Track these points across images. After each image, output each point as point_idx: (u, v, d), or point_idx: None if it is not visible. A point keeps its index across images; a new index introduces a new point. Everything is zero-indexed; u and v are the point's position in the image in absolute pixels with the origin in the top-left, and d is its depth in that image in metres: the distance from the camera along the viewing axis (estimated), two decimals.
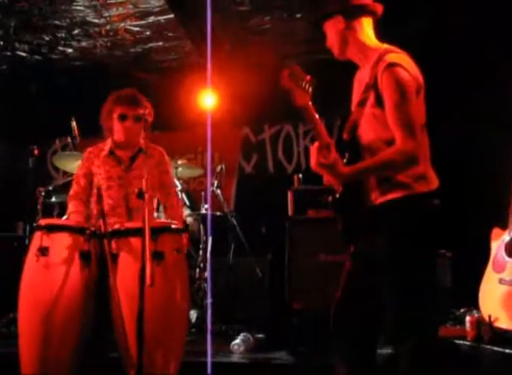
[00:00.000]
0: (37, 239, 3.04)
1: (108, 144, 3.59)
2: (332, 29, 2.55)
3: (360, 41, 2.52)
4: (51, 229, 3.06)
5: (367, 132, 2.46)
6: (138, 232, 2.86)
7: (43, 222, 3.14)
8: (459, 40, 5.50)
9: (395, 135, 2.35)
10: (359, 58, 2.54)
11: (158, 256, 2.98)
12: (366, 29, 2.53)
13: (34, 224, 3.24)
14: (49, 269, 2.99)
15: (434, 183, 2.45)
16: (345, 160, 2.45)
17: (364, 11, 2.52)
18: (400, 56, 2.43)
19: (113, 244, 3.07)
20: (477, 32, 5.32)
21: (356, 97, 2.55)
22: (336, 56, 2.60)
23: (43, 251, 2.99)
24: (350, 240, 2.56)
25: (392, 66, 2.35)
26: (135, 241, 3.02)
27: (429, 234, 2.41)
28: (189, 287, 3.34)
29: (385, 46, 2.50)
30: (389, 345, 2.93)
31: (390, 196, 2.40)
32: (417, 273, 2.37)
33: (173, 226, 3.31)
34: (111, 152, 3.57)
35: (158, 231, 3.07)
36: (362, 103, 2.45)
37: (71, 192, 3.63)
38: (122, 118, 3.46)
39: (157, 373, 2.97)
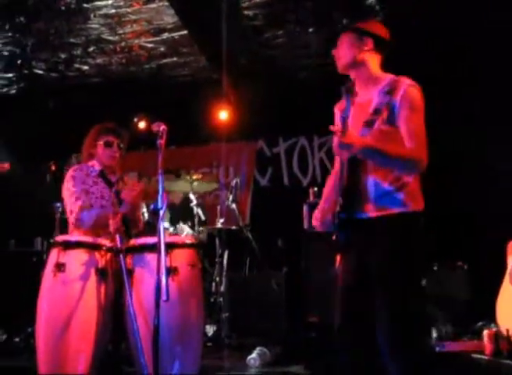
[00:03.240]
0: (54, 255, 3.07)
1: (96, 166, 3.71)
2: (349, 42, 2.63)
3: (372, 65, 2.63)
4: (67, 245, 3.08)
5: None
6: (153, 248, 2.89)
7: (59, 238, 3.17)
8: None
9: (409, 144, 2.44)
10: (364, 79, 2.63)
11: (172, 271, 3.01)
12: (377, 58, 2.66)
13: (51, 240, 3.26)
14: (66, 285, 3.01)
15: (422, 203, 2.54)
16: (345, 174, 2.51)
17: (383, 44, 2.66)
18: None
19: (128, 260, 3.10)
20: None
21: (358, 118, 2.57)
22: (339, 68, 2.68)
23: (60, 267, 3.02)
24: (341, 249, 2.58)
25: (414, 86, 2.51)
26: (150, 257, 3.05)
27: (420, 251, 2.50)
28: (204, 301, 3.36)
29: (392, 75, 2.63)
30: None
31: (388, 211, 2.47)
32: (408, 287, 2.44)
33: (187, 241, 3.34)
34: (101, 173, 3.68)
35: (172, 247, 3.11)
36: (370, 124, 2.51)
37: (80, 203, 3.52)
38: (108, 145, 3.68)
39: None
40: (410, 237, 2.47)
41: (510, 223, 4.07)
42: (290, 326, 5.02)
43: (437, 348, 3.84)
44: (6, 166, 4.49)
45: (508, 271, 3.81)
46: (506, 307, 3.73)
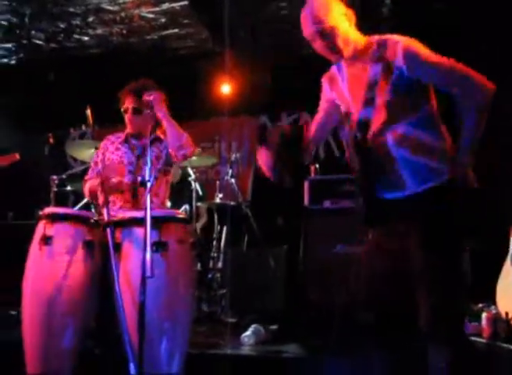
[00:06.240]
0: (41, 228, 3.00)
1: (124, 133, 3.71)
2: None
3: (355, 34, 2.44)
4: (54, 218, 3.00)
5: (390, 126, 2.31)
6: (142, 222, 2.79)
7: (46, 211, 3.09)
8: None
9: (459, 88, 2.24)
10: (354, 51, 2.42)
11: (161, 246, 2.92)
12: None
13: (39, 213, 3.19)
14: (52, 258, 2.94)
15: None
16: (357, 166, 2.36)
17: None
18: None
19: (117, 234, 3.01)
20: None
21: (357, 95, 2.41)
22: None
23: (46, 240, 2.94)
24: (372, 225, 2.44)
25: (407, 41, 2.30)
26: (138, 231, 2.94)
27: (466, 224, 2.35)
28: (195, 278, 3.29)
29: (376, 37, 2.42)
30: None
31: (431, 183, 2.28)
32: (458, 267, 2.30)
33: (179, 215, 3.24)
34: (126, 140, 3.65)
35: (162, 221, 3.00)
36: (370, 102, 2.34)
37: (86, 177, 3.68)
38: (124, 111, 3.59)
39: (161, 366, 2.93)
40: (458, 209, 2.29)
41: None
42: (288, 304, 4.95)
43: None
44: (16, 156, 4.46)
45: (510, 253, 3.70)
46: (506, 290, 3.63)
